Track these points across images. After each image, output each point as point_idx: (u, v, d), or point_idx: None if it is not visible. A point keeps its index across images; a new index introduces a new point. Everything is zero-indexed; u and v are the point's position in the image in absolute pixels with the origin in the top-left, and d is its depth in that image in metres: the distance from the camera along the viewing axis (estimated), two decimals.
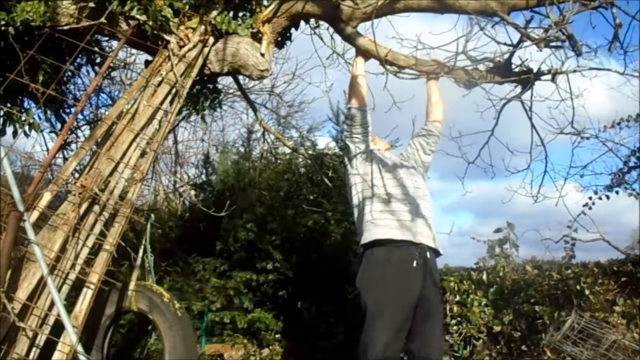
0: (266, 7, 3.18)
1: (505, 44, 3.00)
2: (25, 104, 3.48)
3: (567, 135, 3.40)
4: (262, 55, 3.08)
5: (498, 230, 5.77)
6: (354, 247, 5.33)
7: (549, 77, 2.99)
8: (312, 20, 3.61)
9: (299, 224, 5.70)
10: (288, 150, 6.36)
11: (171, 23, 2.98)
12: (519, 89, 3.12)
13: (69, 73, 3.77)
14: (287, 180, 6.13)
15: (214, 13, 3.06)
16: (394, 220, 3.02)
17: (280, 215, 5.69)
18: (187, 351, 3.28)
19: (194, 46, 3.00)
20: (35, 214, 2.55)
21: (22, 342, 2.39)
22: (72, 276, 2.55)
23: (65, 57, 3.19)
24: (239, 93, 6.57)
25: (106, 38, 3.58)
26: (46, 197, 2.61)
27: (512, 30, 2.91)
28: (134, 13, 2.95)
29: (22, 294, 2.45)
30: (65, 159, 3.98)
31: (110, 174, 2.73)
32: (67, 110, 3.81)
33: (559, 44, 2.82)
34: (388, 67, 2.96)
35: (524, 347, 5.20)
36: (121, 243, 2.77)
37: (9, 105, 3.30)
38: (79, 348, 2.43)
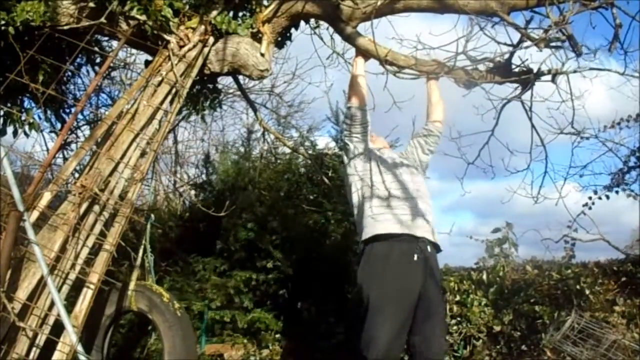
0: (266, 7, 3.18)
1: (505, 44, 2.99)
2: (26, 104, 3.49)
3: (567, 135, 3.41)
4: (262, 55, 3.08)
5: (496, 230, 5.76)
6: (354, 247, 5.33)
7: (549, 77, 2.99)
8: (312, 20, 3.61)
9: (299, 223, 5.70)
10: (288, 150, 6.35)
11: (171, 23, 2.98)
12: (519, 89, 3.12)
13: (69, 73, 3.76)
14: (287, 180, 6.13)
15: (214, 13, 3.06)
16: (394, 216, 3.01)
17: (280, 214, 5.69)
18: (186, 351, 3.28)
19: (194, 46, 3.00)
20: (35, 214, 2.55)
21: (22, 342, 2.39)
22: (72, 276, 2.54)
23: (65, 57, 3.19)
24: (239, 93, 6.57)
25: (106, 38, 3.58)
26: (46, 197, 2.61)
27: (512, 30, 2.91)
28: (134, 13, 2.94)
29: (22, 293, 2.45)
30: (65, 159, 3.98)
31: (110, 174, 2.73)
32: (67, 110, 3.81)
33: (559, 44, 2.82)
34: (388, 67, 2.96)
35: (524, 347, 5.20)
36: (121, 243, 2.77)
37: (9, 105, 3.30)
38: (79, 348, 2.42)
